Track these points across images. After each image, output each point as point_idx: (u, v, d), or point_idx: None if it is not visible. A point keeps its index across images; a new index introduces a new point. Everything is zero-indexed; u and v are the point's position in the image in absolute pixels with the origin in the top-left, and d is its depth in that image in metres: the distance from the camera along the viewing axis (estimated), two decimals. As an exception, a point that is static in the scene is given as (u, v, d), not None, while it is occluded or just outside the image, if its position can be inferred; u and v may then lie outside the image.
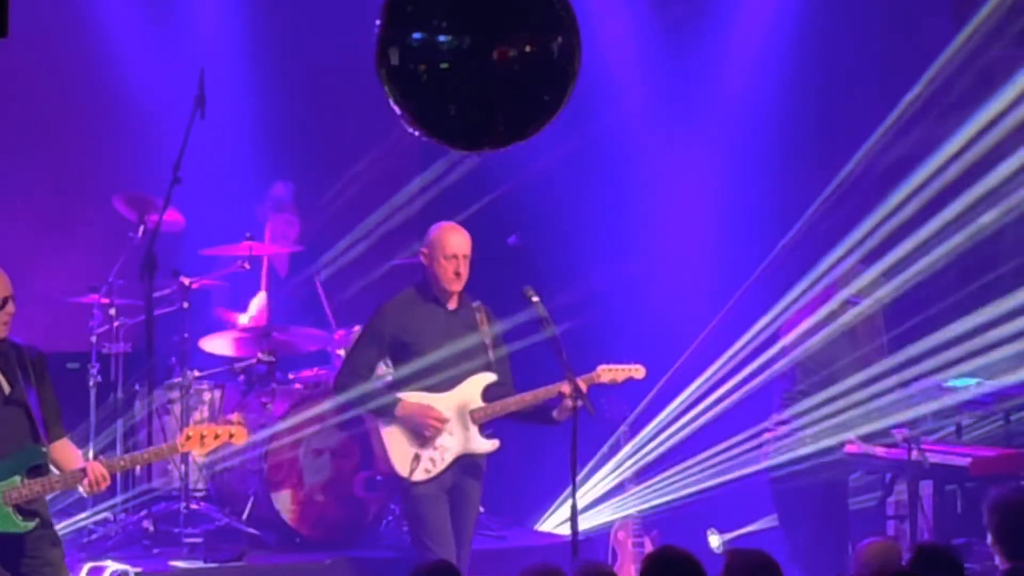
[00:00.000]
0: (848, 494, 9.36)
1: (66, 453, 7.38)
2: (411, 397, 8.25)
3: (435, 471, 8.24)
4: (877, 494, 9.48)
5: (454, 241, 8.30)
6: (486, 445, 8.35)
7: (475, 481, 8.40)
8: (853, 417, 9.19)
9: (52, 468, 7.29)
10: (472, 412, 8.29)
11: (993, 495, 6.57)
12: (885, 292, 9.27)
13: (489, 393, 8.33)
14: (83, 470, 7.24)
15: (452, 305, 8.37)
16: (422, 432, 8.19)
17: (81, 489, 7.35)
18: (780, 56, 11.04)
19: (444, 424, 8.20)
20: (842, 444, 9.05)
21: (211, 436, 7.58)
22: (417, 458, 8.20)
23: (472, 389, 8.32)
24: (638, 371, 8.54)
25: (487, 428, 8.37)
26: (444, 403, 8.26)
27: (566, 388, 8.10)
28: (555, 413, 8.21)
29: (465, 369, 8.29)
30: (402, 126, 5.39)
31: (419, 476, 8.20)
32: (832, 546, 8.96)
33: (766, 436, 9.32)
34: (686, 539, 9.52)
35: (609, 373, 8.43)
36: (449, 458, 8.27)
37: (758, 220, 10.90)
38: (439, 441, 8.23)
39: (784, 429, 9.22)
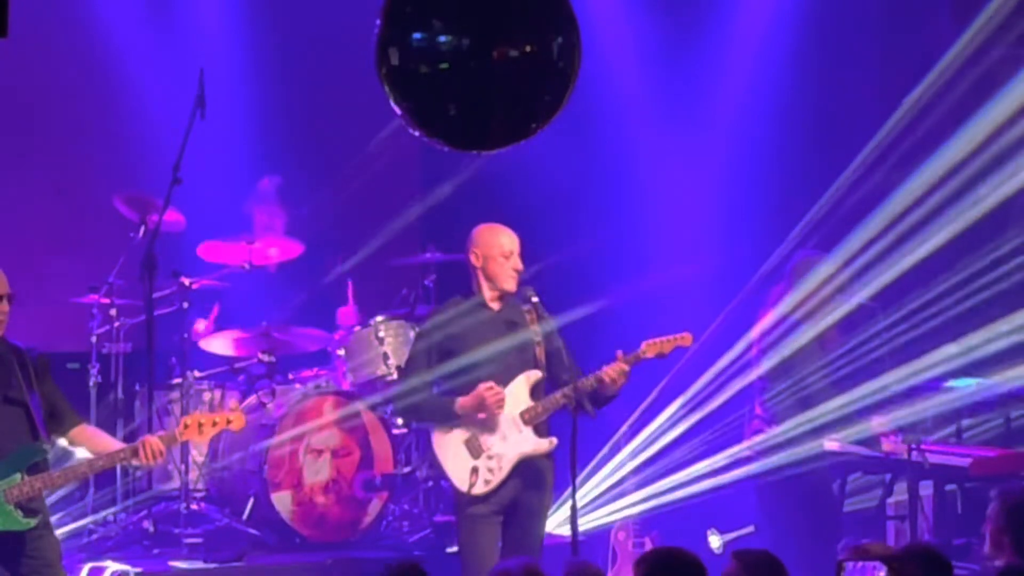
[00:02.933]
0: (832, 492, 9.34)
1: (96, 435, 7.42)
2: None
3: (495, 481, 7.97)
4: (877, 494, 9.48)
5: (507, 239, 8.09)
6: (543, 445, 8.04)
7: (538, 490, 8.07)
8: (834, 420, 9.20)
9: (79, 455, 7.32)
10: (521, 413, 8.02)
11: (1007, 492, 6.53)
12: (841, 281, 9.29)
13: (538, 391, 8.06)
14: (136, 447, 7.25)
15: (497, 306, 8.13)
16: (491, 411, 7.88)
17: (135, 462, 7.35)
18: (780, 55, 11.03)
19: (502, 392, 7.89)
20: (821, 445, 9.07)
21: (209, 424, 7.53)
22: (475, 470, 7.95)
23: (519, 390, 8.04)
24: (685, 339, 8.15)
25: (544, 426, 8.08)
26: None
27: (570, 391, 7.92)
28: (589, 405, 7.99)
29: (512, 370, 8.04)
30: (402, 126, 5.39)
31: (480, 489, 7.95)
32: (822, 546, 8.95)
33: (749, 441, 9.34)
34: (686, 539, 9.55)
35: (655, 347, 8.10)
36: (507, 466, 7.98)
37: (759, 221, 10.90)
38: (494, 449, 7.96)
39: (762, 436, 9.24)
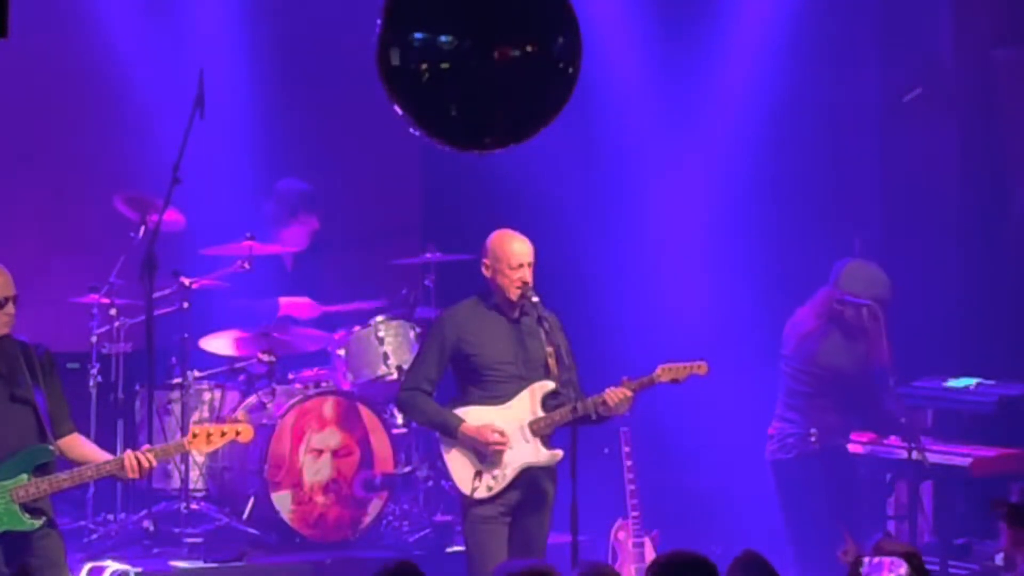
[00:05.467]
0: (858, 488, 9.35)
1: (84, 447, 7.41)
2: (471, 412, 8.02)
3: (497, 488, 7.98)
4: (877, 494, 9.48)
5: (518, 250, 8.05)
6: (547, 457, 8.04)
7: (543, 492, 8.07)
8: (857, 418, 9.22)
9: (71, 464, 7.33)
10: (530, 424, 8.01)
11: None
12: (882, 288, 9.26)
13: (550, 402, 8.03)
14: (120, 460, 7.26)
15: (515, 314, 8.10)
16: (485, 452, 7.95)
17: (121, 475, 7.34)
18: (781, 54, 11.02)
19: (507, 442, 7.95)
20: (847, 443, 9.09)
21: (217, 434, 7.53)
22: (479, 475, 7.94)
23: (530, 400, 8.03)
24: (701, 367, 8.15)
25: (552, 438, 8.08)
26: (503, 416, 8.00)
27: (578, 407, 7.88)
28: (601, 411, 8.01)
29: (526, 379, 8.04)
30: (403, 126, 5.40)
31: (482, 493, 7.95)
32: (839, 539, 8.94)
33: (770, 432, 9.34)
34: (686, 539, 9.55)
35: (670, 372, 8.09)
36: (511, 474, 7.99)
37: (759, 221, 10.90)
38: (500, 457, 7.96)
39: (790, 428, 9.23)
